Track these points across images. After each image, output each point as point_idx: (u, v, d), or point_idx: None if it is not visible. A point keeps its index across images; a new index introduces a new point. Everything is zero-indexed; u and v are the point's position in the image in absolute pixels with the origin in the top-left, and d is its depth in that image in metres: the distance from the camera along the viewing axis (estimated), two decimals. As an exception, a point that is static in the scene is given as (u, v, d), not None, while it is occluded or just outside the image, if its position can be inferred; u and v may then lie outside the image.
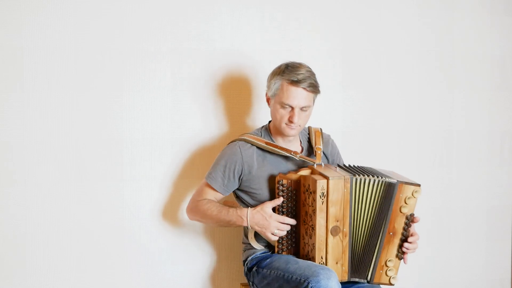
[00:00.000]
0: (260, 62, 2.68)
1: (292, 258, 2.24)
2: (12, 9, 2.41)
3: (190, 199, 2.45)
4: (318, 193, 2.13)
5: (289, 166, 2.36)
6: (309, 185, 2.18)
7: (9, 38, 2.42)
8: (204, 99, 2.68)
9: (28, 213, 2.50)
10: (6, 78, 2.43)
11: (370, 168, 2.32)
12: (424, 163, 3.05)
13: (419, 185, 2.20)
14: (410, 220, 2.23)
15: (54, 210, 2.53)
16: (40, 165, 2.50)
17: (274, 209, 2.28)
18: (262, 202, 2.30)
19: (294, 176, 2.27)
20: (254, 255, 2.38)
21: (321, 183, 2.13)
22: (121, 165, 2.60)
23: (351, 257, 2.22)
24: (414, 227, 2.28)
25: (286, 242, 2.30)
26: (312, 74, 2.29)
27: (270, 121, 2.44)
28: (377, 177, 2.20)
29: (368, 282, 2.26)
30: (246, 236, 2.42)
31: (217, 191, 2.38)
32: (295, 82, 2.24)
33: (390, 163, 2.80)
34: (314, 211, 2.15)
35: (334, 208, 2.16)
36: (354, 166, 2.34)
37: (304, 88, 2.24)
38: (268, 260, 2.31)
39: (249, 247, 2.41)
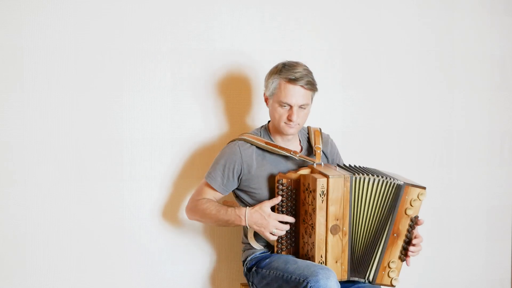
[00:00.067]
0: (260, 62, 2.68)
1: (291, 258, 2.24)
2: (12, 9, 2.41)
3: (190, 199, 2.46)
4: (318, 191, 2.13)
5: (289, 165, 2.36)
6: (309, 184, 2.19)
7: (9, 38, 2.42)
8: (204, 99, 2.68)
9: (28, 213, 2.50)
10: (6, 78, 2.43)
11: (372, 168, 2.32)
12: (424, 163, 3.05)
13: (424, 188, 2.21)
14: (414, 222, 2.23)
15: (54, 210, 2.53)
16: (40, 165, 2.50)
17: (273, 209, 2.28)
18: (261, 201, 2.30)
19: (294, 175, 2.27)
20: (253, 255, 2.38)
21: (321, 182, 2.13)
22: (121, 165, 2.60)
23: (350, 256, 2.22)
24: (417, 229, 2.28)
25: (286, 241, 2.30)
26: (309, 72, 2.29)
27: (269, 121, 2.44)
28: (378, 176, 2.20)
29: (370, 282, 2.26)
30: (246, 236, 2.42)
31: (217, 191, 2.38)
32: (293, 80, 2.24)
33: (390, 163, 2.80)
34: (314, 209, 2.16)
35: (334, 207, 2.16)
36: (354, 166, 2.35)
37: (301, 86, 2.25)
38: (267, 260, 2.31)
39: (248, 247, 2.41)
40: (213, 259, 2.76)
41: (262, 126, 2.47)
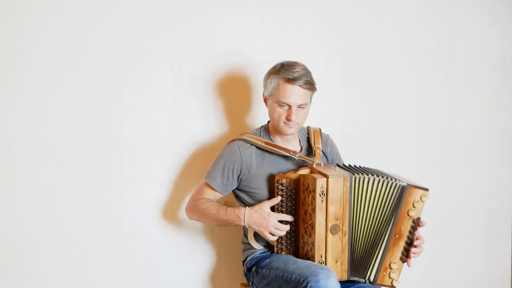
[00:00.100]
0: (260, 62, 2.68)
1: (291, 258, 2.24)
2: (12, 9, 2.41)
3: (189, 199, 2.46)
4: (318, 191, 2.13)
5: (289, 165, 2.36)
6: (308, 184, 2.19)
7: (9, 38, 2.42)
8: (204, 99, 2.68)
9: (28, 213, 2.50)
10: (6, 78, 2.43)
11: (373, 168, 2.32)
12: (424, 163, 3.05)
13: (427, 190, 2.21)
14: (416, 223, 2.23)
15: (54, 210, 2.53)
16: (40, 165, 2.50)
17: (273, 209, 2.28)
18: (261, 201, 2.31)
19: (293, 175, 2.27)
20: (253, 255, 2.38)
21: (320, 182, 2.13)
22: (121, 165, 2.60)
23: (350, 256, 2.22)
24: (419, 231, 2.28)
25: (285, 241, 2.30)
26: (307, 72, 2.29)
27: (269, 121, 2.44)
28: (378, 176, 2.21)
29: (371, 283, 2.26)
30: (246, 236, 2.42)
31: (216, 191, 2.38)
32: (291, 80, 2.24)
33: (390, 163, 2.80)
34: (313, 209, 2.16)
35: (334, 206, 2.16)
36: (355, 166, 2.35)
37: (300, 86, 2.25)
38: (267, 260, 2.31)
39: (248, 247, 2.41)
40: (213, 259, 2.76)
41: (262, 126, 2.47)
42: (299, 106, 2.27)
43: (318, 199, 2.14)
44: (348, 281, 2.27)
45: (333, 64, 2.87)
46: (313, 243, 2.18)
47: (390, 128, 2.98)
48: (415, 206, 2.20)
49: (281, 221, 2.25)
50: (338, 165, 2.36)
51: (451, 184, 3.10)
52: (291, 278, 2.13)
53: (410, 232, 2.23)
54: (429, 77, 3.02)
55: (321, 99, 2.72)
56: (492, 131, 3.16)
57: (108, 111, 2.57)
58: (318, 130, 2.50)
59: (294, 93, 2.25)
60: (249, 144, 2.36)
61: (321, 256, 2.18)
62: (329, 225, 2.17)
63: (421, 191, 2.20)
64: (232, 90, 2.70)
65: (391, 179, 2.21)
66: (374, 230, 2.23)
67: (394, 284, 2.26)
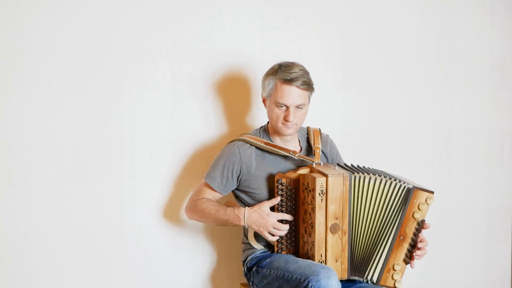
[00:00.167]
0: (260, 62, 2.68)
1: (292, 258, 2.24)
2: (12, 9, 2.41)
3: (189, 198, 2.46)
4: (317, 190, 2.14)
5: (288, 165, 2.37)
6: (308, 183, 2.19)
7: (9, 38, 2.42)
8: (204, 99, 2.68)
9: (28, 213, 2.50)
10: (6, 78, 2.44)
11: (374, 169, 2.32)
12: (424, 163, 3.05)
13: (432, 192, 2.21)
14: (420, 226, 2.24)
15: (54, 210, 2.53)
16: (40, 165, 2.50)
17: (273, 209, 2.28)
18: (261, 201, 2.31)
19: (293, 175, 2.27)
20: (253, 254, 2.38)
21: (320, 181, 2.14)
22: (121, 165, 2.60)
23: (350, 255, 2.23)
24: (423, 233, 2.29)
25: (286, 241, 2.30)
26: (305, 73, 2.29)
27: (268, 122, 2.45)
28: (380, 176, 2.21)
29: (373, 283, 2.26)
30: (246, 236, 2.42)
31: (216, 191, 2.38)
32: (288, 81, 2.24)
33: (390, 163, 2.80)
34: (313, 209, 2.16)
35: (333, 206, 2.16)
36: (358, 166, 2.35)
37: (297, 87, 2.25)
38: (267, 259, 2.31)
39: (248, 247, 2.41)
40: (213, 259, 2.76)
41: (261, 127, 2.47)
42: (297, 107, 2.27)
43: (318, 198, 2.14)
44: (349, 281, 2.27)
45: (333, 64, 2.87)
46: (313, 243, 2.18)
47: (390, 128, 2.98)
48: (420, 208, 2.20)
49: (281, 221, 2.25)
50: (338, 165, 2.36)
51: (451, 184, 3.10)
52: (292, 277, 2.13)
53: (414, 234, 2.24)
54: (429, 77, 3.02)
55: (321, 99, 2.73)
56: (492, 131, 3.16)
57: (108, 111, 2.57)
58: (318, 130, 2.50)
59: (292, 94, 2.25)
60: (248, 145, 2.37)
61: (321, 255, 2.18)
62: (329, 224, 2.17)
63: (426, 194, 2.20)
64: (232, 90, 2.70)
65: (396, 180, 2.21)
66: (376, 230, 2.23)
67: (397, 285, 2.26)
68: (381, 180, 2.21)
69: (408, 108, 3.00)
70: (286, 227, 2.25)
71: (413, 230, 2.23)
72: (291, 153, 2.32)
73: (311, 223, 2.18)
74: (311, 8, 2.81)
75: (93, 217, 2.58)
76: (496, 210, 3.20)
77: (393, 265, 2.24)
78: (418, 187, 2.20)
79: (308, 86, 2.28)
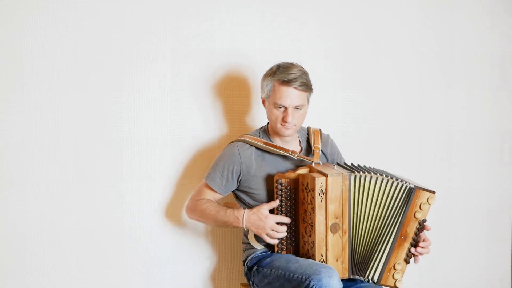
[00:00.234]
0: (260, 62, 2.68)
1: (293, 257, 2.24)
2: (12, 9, 2.41)
3: (190, 199, 2.47)
4: (317, 190, 2.13)
5: (288, 165, 2.37)
6: (307, 183, 2.19)
7: (9, 38, 2.42)
8: (204, 99, 2.68)
9: (28, 213, 2.50)
10: (6, 78, 2.43)
11: (375, 168, 2.32)
12: (424, 163, 3.05)
13: (434, 192, 2.21)
14: (422, 225, 2.24)
15: (54, 210, 2.53)
16: (40, 165, 2.50)
17: (273, 209, 2.28)
18: (261, 202, 2.32)
19: (292, 175, 2.27)
20: (254, 254, 2.39)
21: (319, 181, 2.14)
22: (121, 165, 2.60)
23: (351, 254, 2.23)
24: (425, 234, 2.29)
25: (286, 241, 2.30)
26: (303, 73, 2.29)
27: (268, 122, 2.45)
28: (381, 175, 2.21)
29: (374, 283, 2.26)
30: (246, 236, 2.42)
31: (216, 192, 2.39)
32: (286, 82, 2.24)
33: (390, 163, 2.80)
34: (313, 208, 2.16)
35: (333, 205, 2.16)
36: (358, 165, 2.35)
37: (295, 88, 2.25)
38: (268, 259, 2.31)
39: (249, 246, 2.41)
40: (213, 259, 2.76)
41: (261, 128, 2.47)
42: (296, 108, 2.27)
43: (318, 198, 2.14)
44: (349, 280, 2.27)
45: (333, 64, 2.87)
46: (313, 242, 2.18)
47: (390, 128, 2.98)
48: (422, 208, 2.21)
49: (280, 223, 2.26)
50: (338, 164, 2.36)
51: (451, 184, 3.10)
52: (293, 277, 2.13)
53: (415, 233, 2.24)
54: (429, 77, 3.02)
55: (321, 99, 2.73)
56: (492, 131, 3.16)
57: (108, 111, 2.57)
58: (318, 130, 2.50)
59: (290, 95, 2.25)
60: (248, 145, 2.37)
61: (322, 255, 2.18)
62: (329, 224, 2.17)
63: (428, 194, 2.20)
64: (232, 90, 2.70)
65: (398, 179, 2.21)
66: (377, 230, 2.23)
67: (397, 284, 2.26)
68: (382, 179, 2.21)
69: (408, 108, 3.00)
70: (284, 228, 2.25)
71: (414, 229, 2.23)
72: (290, 153, 2.33)
73: (311, 223, 2.18)
74: (311, 8, 2.81)
75: (93, 217, 2.58)
76: (496, 210, 3.20)
77: (394, 265, 2.24)
78: (420, 187, 2.21)
79: (306, 87, 2.28)
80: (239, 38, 2.71)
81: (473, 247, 3.17)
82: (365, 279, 2.26)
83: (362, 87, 2.92)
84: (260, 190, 2.35)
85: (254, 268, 2.34)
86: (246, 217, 2.26)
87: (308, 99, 2.33)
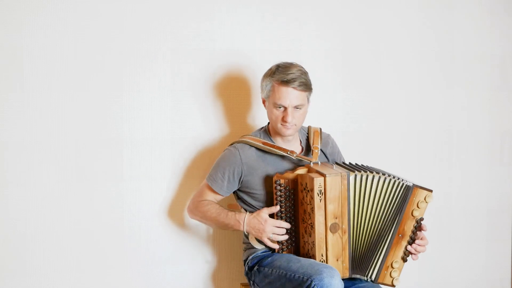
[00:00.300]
0: (260, 62, 2.68)
1: (294, 257, 2.23)
2: (12, 9, 2.41)
3: (191, 199, 2.47)
4: (316, 190, 2.13)
5: (287, 165, 2.37)
6: (306, 184, 2.19)
7: (9, 38, 2.42)
8: (204, 99, 2.68)
9: (28, 213, 2.50)
10: (6, 78, 2.43)
11: (373, 167, 2.32)
12: (424, 163, 3.05)
13: (431, 191, 2.22)
14: (419, 224, 2.24)
15: (54, 210, 2.53)
16: (40, 165, 2.50)
17: (273, 215, 2.28)
18: (262, 202, 2.33)
19: (291, 175, 2.27)
20: (255, 254, 2.38)
21: (318, 181, 2.13)
22: (121, 165, 2.60)
23: (351, 253, 2.23)
24: (423, 233, 2.29)
25: (286, 241, 2.30)
26: (303, 73, 2.29)
27: (269, 122, 2.45)
28: (378, 174, 2.21)
29: (372, 281, 2.26)
30: (247, 236, 2.42)
31: (217, 193, 2.39)
32: (285, 82, 2.24)
33: (390, 163, 2.80)
34: (312, 209, 2.16)
35: (332, 205, 2.16)
36: (356, 164, 2.35)
37: (294, 88, 2.25)
38: (269, 259, 2.31)
39: (249, 246, 2.41)
40: (213, 259, 2.76)
41: (262, 128, 2.47)
42: (296, 107, 2.27)
43: (317, 198, 2.14)
44: (348, 280, 2.27)
45: (333, 64, 2.87)
46: (313, 242, 2.18)
47: (390, 128, 2.98)
48: (419, 206, 2.21)
49: (278, 226, 2.26)
50: (336, 163, 2.36)
51: (451, 184, 3.10)
52: (294, 276, 2.13)
53: (413, 232, 2.24)
54: (429, 77, 3.02)
55: (321, 99, 2.73)
56: (492, 131, 3.16)
57: (108, 111, 2.57)
58: (319, 130, 2.50)
59: (289, 95, 2.25)
60: (249, 146, 2.37)
61: (322, 255, 2.18)
62: (329, 224, 2.17)
63: (425, 192, 2.21)
64: (232, 90, 2.70)
65: (395, 178, 2.22)
66: (376, 228, 2.23)
67: (395, 283, 2.26)
68: (380, 178, 2.21)
69: (408, 108, 3.00)
70: (283, 231, 2.26)
71: (412, 228, 2.24)
72: (288, 153, 2.33)
73: (311, 223, 2.18)
74: (311, 8, 2.81)
75: (93, 217, 2.58)
76: (496, 210, 3.20)
77: (392, 263, 2.25)
78: (417, 185, 2.21)
79: (305, 87, 2.28)
80: (239, 38, 2.71)
81: (473, 247, 3.17)
82: (365, 278, 2.26)
83: (362, 87, 2.92)
84: (261, 190, 2.35)
85: (255, 268, 2.34)
86: (246, 221, 2.27)
87: (308, 99, 2.33)
